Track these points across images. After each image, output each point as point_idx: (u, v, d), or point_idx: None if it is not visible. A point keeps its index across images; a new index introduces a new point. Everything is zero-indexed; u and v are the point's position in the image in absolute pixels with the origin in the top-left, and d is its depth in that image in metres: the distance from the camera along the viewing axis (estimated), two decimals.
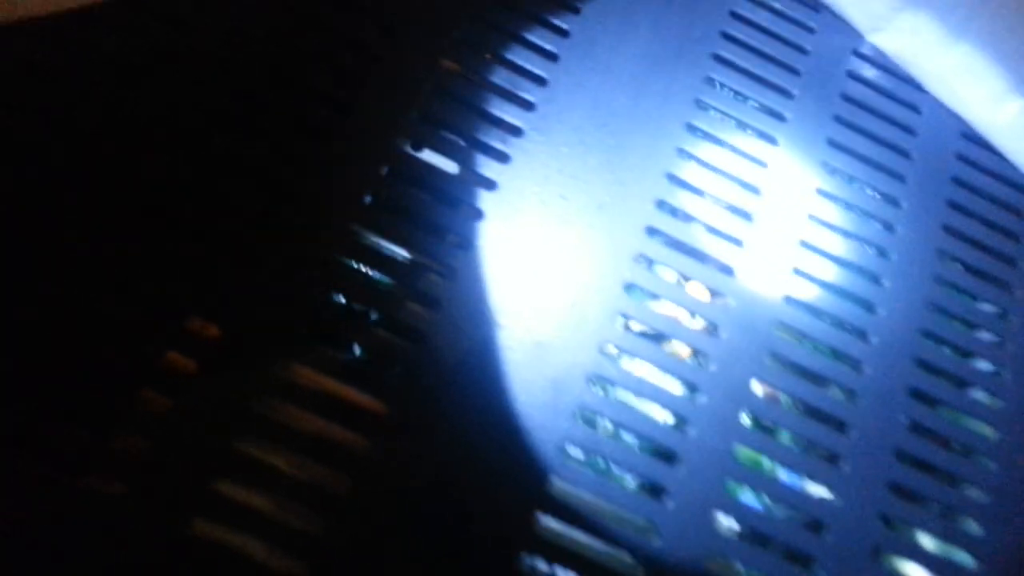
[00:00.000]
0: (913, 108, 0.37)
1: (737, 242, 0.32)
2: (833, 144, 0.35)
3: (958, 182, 0.36)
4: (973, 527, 0.30)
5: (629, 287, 0.30)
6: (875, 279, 0.33)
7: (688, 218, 0.32)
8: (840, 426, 0.30)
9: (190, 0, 0.32)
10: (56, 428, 0.24)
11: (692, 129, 0.34)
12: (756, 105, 0.35)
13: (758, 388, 0.30)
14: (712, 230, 0.32)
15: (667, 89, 0.34)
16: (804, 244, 0.33)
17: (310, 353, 0.27)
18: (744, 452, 0.29)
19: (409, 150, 0.31)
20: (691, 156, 0.33)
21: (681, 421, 0.29)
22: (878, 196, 0.35)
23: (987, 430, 0.32)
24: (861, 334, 0.32)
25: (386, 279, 0.29)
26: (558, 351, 0.29)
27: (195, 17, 0.31)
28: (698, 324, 0.31)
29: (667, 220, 0.32)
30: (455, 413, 0.28)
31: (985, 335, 0.33)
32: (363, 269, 0.29)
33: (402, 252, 0.30)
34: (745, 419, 0.29)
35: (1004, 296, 0.34)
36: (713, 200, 0.33)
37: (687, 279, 0.31)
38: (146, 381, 0.26)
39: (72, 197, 0.28)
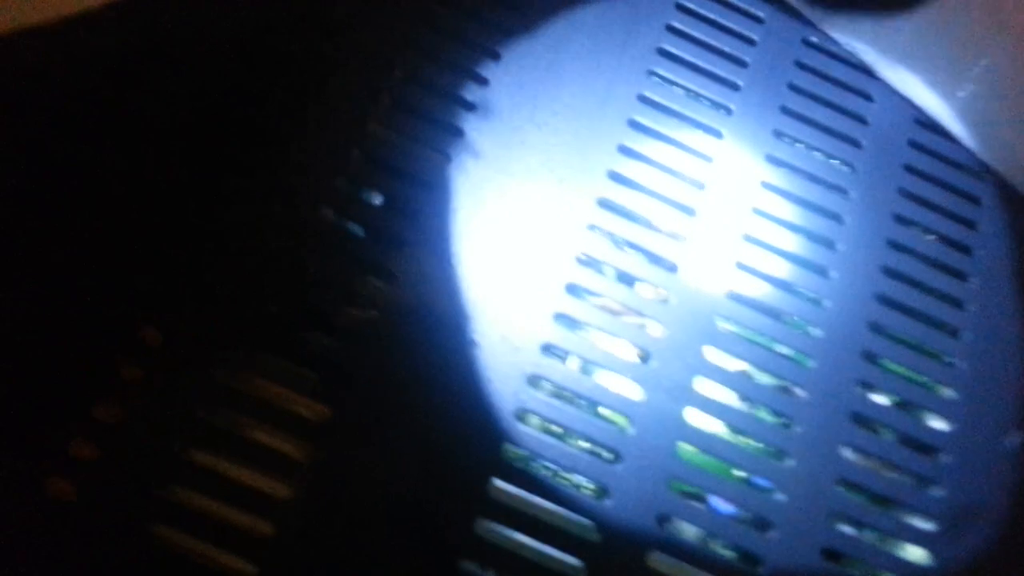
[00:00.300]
0: (865, 96, 0.36)
1: (679, 238, 0.32)
2: (780, 135, 0.35)
3: (911, 170, 0.35)
4: (927, 524, 0.29)
5: (571, 287, 0.30)
6: (822, 271, 0.32)
7: (630, 215, 0.32)
8: (786, 422, 0.30)
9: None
10: (13, 437, 0.25)
11: (635, 125, 0.33)
12: (702, 99, 0.35)
13: (701, 384, 0.30)
14: (654, 227, 0.32)
15: (610, 86, 0.34)
16: (748, 238, 0.32)
17: (259, 360, 0.27)
18: (686, 448, 0.29)
19: (360, 154, 0.31)
20: (634, 153, 0.33)
21: (626, 420, 0.29)
22: (826, 187, 0.34)
23: (942, 423, 0.31)
24: (809, 327, 0.31)
25: (332, 286, 0.29)
26: (496, 354, 0.29)
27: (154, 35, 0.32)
28: (640, 321, 0.30)
29: (609, 217, 0.32)
30: (399, 417, 0.27)
31: (939, 326, 0.33)
32: (311, 276, 0.29)
33: (347, 255, 0.29)
34: (689, 415, 0.29)
35: (959, 286, 0.33)
36: (656, 197, 0.32)
37: (629, 276, 0.31)
38: (100, 390, 0.26)
39: (27, 206, 0.28)
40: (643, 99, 0.34)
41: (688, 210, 0.32)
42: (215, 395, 0.26)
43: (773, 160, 0.34)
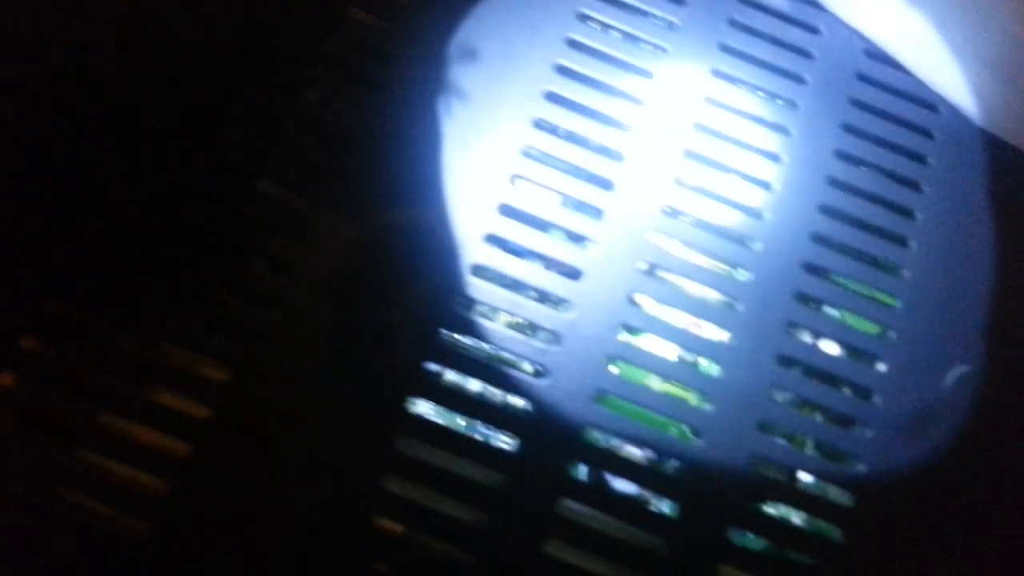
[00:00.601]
0: (811, 29, 0.35)
1: (607, 185, 0.31)
2: (719, 74, 0.34)
3: (858, 104, 0.34)
4: (857, 466, 0.29)
5: (491, 238, 0.30)
6: (758, 215, 0.32)
7: (558, 164, 0.31)
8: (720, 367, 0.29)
9: None
10: None
11: (563, 71, 0.33)
12: (636, 40, 0.34)
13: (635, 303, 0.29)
14: (582, 174, 0.31)
15: (536, 30, 0.33)
16: (680, 183, 0.32)
17: (163, 325, 0.28)
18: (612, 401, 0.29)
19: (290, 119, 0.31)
20: (562, 99, 0.32)
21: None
22: (765, 125, 0.33)
23: (879, 364, 0.30)
24: (738, 269, 0.31)
25: (244, 249, 0.29)
26: (411, 321, 0.29)
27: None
28: (562, 282, 0.30)
29: (534, 167, 0.31)
30: (304, 380, 0.28)
31: (881, 266, 0.32)
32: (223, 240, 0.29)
33: (261, 218, 0.30)
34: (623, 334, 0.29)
35: (905, 223, 0.32)
36: (584, 144, 0.32)
37: (556, 227, 0.31)
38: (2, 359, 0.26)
39: None
40: (572, 43, 0.33)
41: (618, 156, 0.32)
42: (118, 358, 0.27)
43: (711, 101, 0.33)
